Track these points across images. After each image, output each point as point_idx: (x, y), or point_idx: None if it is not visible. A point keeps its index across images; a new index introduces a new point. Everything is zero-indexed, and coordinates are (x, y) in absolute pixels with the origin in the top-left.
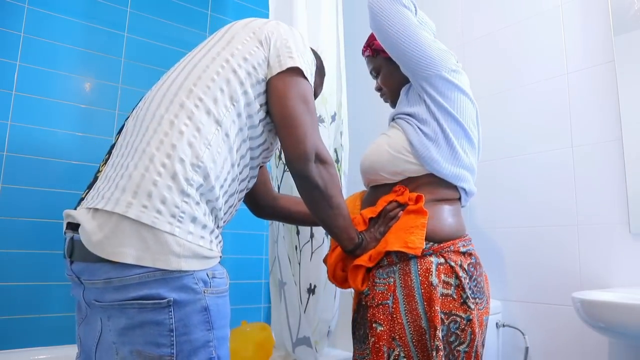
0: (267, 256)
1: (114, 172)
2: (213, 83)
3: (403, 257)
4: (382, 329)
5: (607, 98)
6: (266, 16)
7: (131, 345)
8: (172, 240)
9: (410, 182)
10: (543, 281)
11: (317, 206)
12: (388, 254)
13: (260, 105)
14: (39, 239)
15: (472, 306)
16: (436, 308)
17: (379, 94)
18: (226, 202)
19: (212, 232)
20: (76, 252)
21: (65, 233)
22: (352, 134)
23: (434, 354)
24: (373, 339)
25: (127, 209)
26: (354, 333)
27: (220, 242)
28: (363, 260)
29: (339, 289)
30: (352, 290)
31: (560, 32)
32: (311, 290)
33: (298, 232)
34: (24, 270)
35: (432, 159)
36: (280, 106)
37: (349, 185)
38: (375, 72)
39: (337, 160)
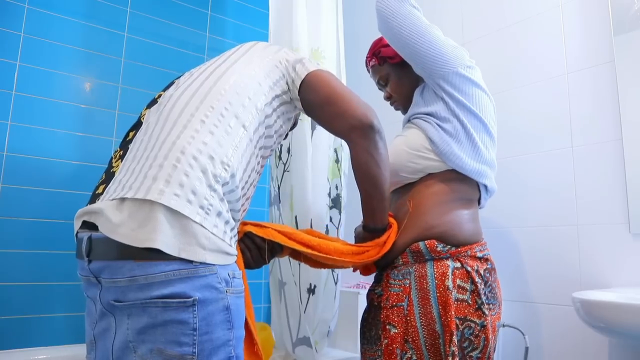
0: None
1: (139, 164)
2: (242, 90)
3: (419, 259)
4: (396, 331)
5: (607, 98)
6: (266, 16)
7: (152, 343)
8: (200, 231)
9: (431, 178)
10: (543, 281)
11: (376, 173)
12: (403, 253)
13: (278, 117)
14: (39, 239)
15: (487, 312)
16: (452, 313)
17: (388, 102)
18: (242, 204)
19: (232, 229)
20: (96, 250)
21: (77, 233)
22: None
23: (450, 359)
24: (386, 341)
25: (159, 196)
26: (363, 333)
27: (235, 236)
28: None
29: (339, 289)
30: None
31: (560, 32)
32: (311, 290)
33: None
34: (24, 270)
35: (454, 155)
36: (324, 88)
37: (349, 186)
38: (383, 81)
39: (337, 160)
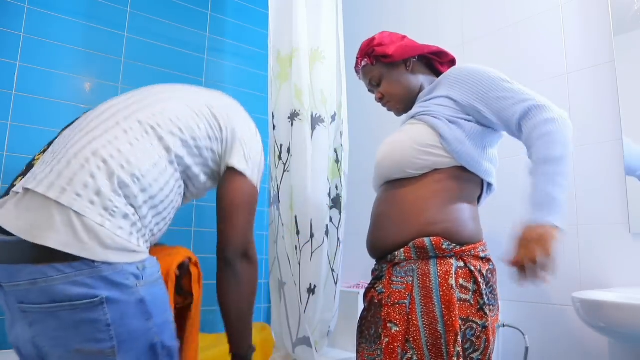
0: (267, 256)
1: (52, 157)
2: (177, 121)
3: (423, 255)
4: (398, 329)
5: (607, 98)
6: (266, 16)
7: (66, 346)
8: (102, 232)
9: (437, 173)
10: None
11: (235, 297)
12: (405, 247)
13: (205, 172)
14: None
15: (488, 313)
16: (456, 312)
17: (380, 103)
18: (155, 223)
19: (138, 229)
20: None
21: None
22: (352, 134)
23: (455, 359)
24: (387, 339)
25: (60, 195)
26: (361, 332)
27: (144, 238)
28: None
29: (338, 289)
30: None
31: (560, 32)
32: (311, 290)
33: (298, 232)
34: None
35: (468, 154)
36: (231, 197)
37: (349, 186)
38: (376, 82)
39: (337, 160)
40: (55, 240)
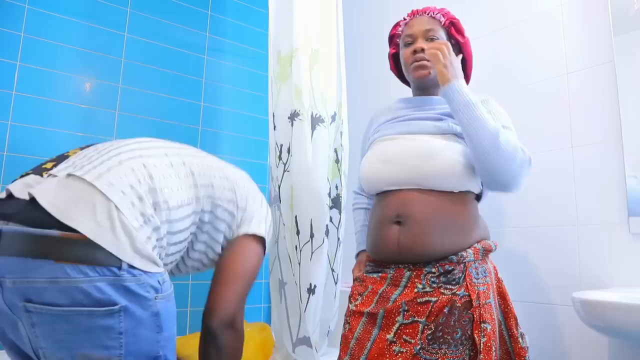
0: (267, 256)
1: (98, 154)
2: (212, 176)
3: (486, 254)
4: (491, 327)
5: (607, 98)
6: (266, 16)
7: (71, 350)
8: (136, 235)
9: (466, 194)
10: (543, 281)
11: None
12: (474, 249)
13: (206, 243)
14: None
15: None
16: (510, 300)
17: (413, 58)
18: (169, 255)
19: (159, 249)
20: (6, 244)
21: None
22: (352, 134)
23: (520, 340)
24: (485, 339)
25: (106, 187)
26: (438, 337)
27: (160, 256)
28: None
29: (339, 289)
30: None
31: (560, 32)
32: (311, 290)
33: (298, 232)
34: None
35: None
36: (239, 264)
37: (348, 185)
38: (433, 35)
39: (337, 161)
40: (88, 227)
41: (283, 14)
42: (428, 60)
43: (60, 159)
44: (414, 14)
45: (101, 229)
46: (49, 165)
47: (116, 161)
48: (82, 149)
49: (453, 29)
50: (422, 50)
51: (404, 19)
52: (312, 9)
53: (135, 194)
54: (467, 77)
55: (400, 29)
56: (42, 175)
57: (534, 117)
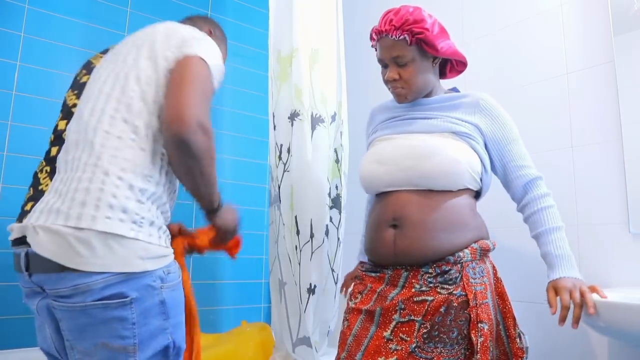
0: (267, 256)
1: (66, 187)
2: (146, 99)
3: (484, 254)
4: (488, 326)
5: (607, 98)
6: (266, 16)
7: (93, 339)
8: (137, 245)
9: (468, 190)
10: (543, 281)
11: (196, 171)
12: (471, 249)
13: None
14: None
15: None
16: (509, 300)
17: (387, 81)
18: (171, 201)
19: (163, 230)
20: (35, 265)
21: (12, 247)
22: (352, 134)
23: (518, 340)
24: (482, 339)
25: (92, 223)
26: (434, 336)
27: (168, 236)
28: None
29: (338, 289)
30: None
31: (560, 32)
32: (311, 290)
33: (298, 232)
34: None
35: (489, 185)
36: (181, 72)
37: (349, 186)
38: (402, 61)
39: (337, 160)
40: (96, 264)
41: (283, 14)
42: (404, 88)
43: (37, 195)
44: (377, 33)
45: (107, 259)
46: (28, 207)
47: (83, 190)
48: (49, 174)
49: (424, 45)
50: (398, 79)
51: (373, 38)
52: (312, 9)
53: (119, 209)
54: (458, 66)
55: (372, 44)
56: (23, 219)
57: (534, 117)
